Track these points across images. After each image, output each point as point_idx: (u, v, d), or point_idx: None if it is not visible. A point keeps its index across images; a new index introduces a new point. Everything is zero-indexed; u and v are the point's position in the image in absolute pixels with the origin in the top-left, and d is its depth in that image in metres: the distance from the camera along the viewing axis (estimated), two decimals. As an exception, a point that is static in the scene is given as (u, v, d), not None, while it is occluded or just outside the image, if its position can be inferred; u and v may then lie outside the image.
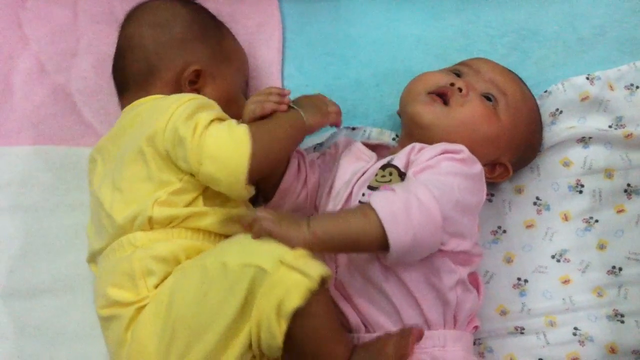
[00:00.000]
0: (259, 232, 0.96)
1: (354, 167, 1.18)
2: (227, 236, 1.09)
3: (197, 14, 1.23)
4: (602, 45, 1.34)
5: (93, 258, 1.13)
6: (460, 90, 1.16)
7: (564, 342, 1.21)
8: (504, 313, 1.23)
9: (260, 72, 1.36)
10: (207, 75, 1.18)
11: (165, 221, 1.05)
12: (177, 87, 1.16)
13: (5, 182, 1.29)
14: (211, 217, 1.08)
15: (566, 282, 1.24)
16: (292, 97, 1.31)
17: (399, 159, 1.11)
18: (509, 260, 1.26)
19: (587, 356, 1.20)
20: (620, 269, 1.24)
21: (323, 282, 0.95)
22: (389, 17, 1.39)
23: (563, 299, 1.23)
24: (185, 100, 1.08)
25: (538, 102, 1.28)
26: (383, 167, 1.11)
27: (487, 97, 1.17)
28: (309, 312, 0.94)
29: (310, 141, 1.31)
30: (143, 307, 1.01)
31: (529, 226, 1.26)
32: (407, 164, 1.10)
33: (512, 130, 1.18)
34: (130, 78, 1.19)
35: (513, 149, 1.20)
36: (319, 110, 1.15)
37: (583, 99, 1.29)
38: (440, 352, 1.06)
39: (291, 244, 0.95)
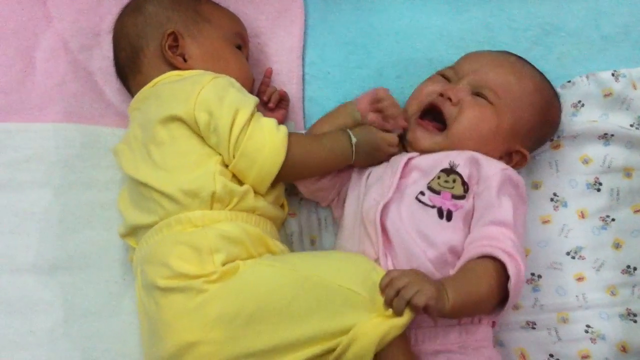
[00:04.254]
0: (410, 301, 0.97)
1: (391, 158, 1.20)
2: (274, 221, 1.16)
3: None
4: (625, 44, 1.34)
5: (133, 232, 1.16)
6: (450, 100, 1.17)
7: (575, 339, 1.21)
8: (516, 307, 1.23)
9: (281, 58, 1.36)
10: (187, 36, 1.22)
11: (226, 198, 1.09)
12: (163, 58, 1.21)
13: (24, 158, 1.29)
14: (259, 198, 1.13)
15: (580, 279, 1.24)
16: (313, 85, 1.34)
17: (462, 168, 1.13)
18: (523, 256, 1.26)
19: (598, 354, 1.20)
20: (635, 269, 1.24)
21: None
22: (411, 8, 1.39)
23: (576, 296, 1.23)
24: (209, 80, 1.12)
25: (560, 91, 1.29)
26: (447, 172, 1.12)
27: (478, 94, 1.18)
28: (400, 339, 0.98)
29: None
30: (212, 282, 1.03)
31: (545, 222, 1.26)
32: (470, 177, 1.13)
33: (513, 119, 1.18)
34: (125, 66, 1.26)
35: (522, 134, 1.20)
36: (371, 154, 1.18)
37: (606, 95, 1.29)
38: (470, 342, 1.09)
39: (433, 316, 0.99)
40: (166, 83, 1.18)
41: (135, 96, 1.22)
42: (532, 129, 1.22)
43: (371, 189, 1.16)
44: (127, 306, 1.23)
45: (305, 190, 1.24)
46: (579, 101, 1.30)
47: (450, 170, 1.13)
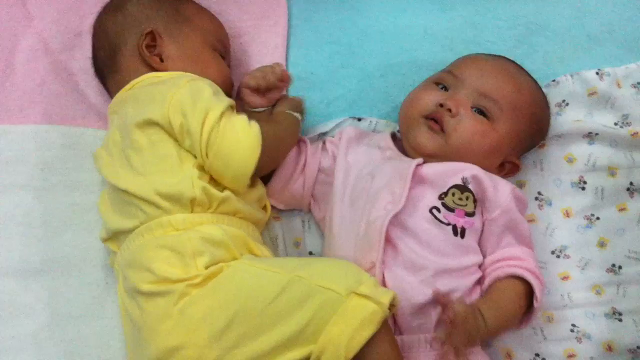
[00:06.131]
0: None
1: (394, 164, 1.18)
2: (256, 224, 1.16)
3: None
4: (610, 43, 1.34)
5: (114, 237, 1.15)
6: (449, 110, 1.16)
7: (561, 339, 1.21)
8: (501, 307, 1.23)
9: (265, 58, 1.35)
10: (166, 36, 1.21)
11: (206, 202, 1.08)
12: (140, 58, 1.20)
13: (5, 160, 1.27)
14: (241, 201, 1.12)
15: (565, 278, 1.24)
16: (297, 85, 1.30)
17: (473, 185, 1.14)
18: (509, 255, 1.25)
19: (583, 353, 1.20)
20: (619, 268, 1.24)
21: (391, 306, 0.99)
22: (396, 7, 1.38)
23: (561, 295, 1.23)
24: (185, 82, 1.10)
25: (545, 90, 1.28)
26: (461, 190, 1.13)
27: (479, 110, 1.17)
28: (377, 340, 0.97)
29: (313, 130, 1.30)
30: (195, 285, 1.02)
31: (529, 221, 1.26)
32: (480, 193, 1.14)
33: (512, 132, 1.18)
34: (103, 65, 1.25)
35: (518, 146, 1.21)
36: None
37: (590, 94, 1.29)
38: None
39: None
40: (144, 86, 1.16)
41: (114, 98, 1.20)
42: (526, 139, 1.22)
43: (380, 195, 1.13)
44: (110, 310, 1.21)
45: (278, 201, 1.24)
46: (564, 100, 1.30)
47: (463, 188, 1.13)
